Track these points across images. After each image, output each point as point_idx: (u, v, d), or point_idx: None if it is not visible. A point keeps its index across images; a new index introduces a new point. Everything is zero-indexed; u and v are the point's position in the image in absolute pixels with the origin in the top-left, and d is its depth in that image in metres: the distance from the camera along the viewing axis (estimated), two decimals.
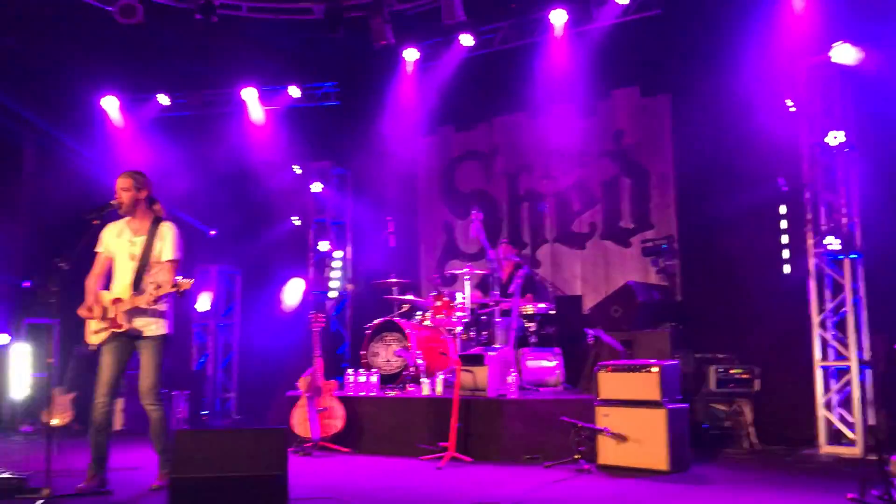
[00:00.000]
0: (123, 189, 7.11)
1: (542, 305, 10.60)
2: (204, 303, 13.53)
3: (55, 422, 10.79)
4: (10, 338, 12.44)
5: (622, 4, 11.63)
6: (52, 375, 11.67)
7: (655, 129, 11.78)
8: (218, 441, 5.91)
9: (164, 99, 14.41)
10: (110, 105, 14.53)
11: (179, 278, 6.67)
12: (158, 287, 6.71)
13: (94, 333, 7.07)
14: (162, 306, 7.03)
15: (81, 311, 7.06)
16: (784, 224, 10.01)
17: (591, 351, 9.45)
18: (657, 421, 7.78)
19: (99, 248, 7.22)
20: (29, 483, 6.75)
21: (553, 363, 9.94)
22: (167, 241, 7.08)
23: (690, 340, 10.01)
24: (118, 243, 7.17)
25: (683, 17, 11.12)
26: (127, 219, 7.21)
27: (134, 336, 7.02)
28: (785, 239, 9.96)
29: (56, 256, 6.39)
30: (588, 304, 11.19)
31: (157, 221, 7.15)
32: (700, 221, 11.00)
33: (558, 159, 12.52)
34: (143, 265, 7.00)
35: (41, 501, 6.40)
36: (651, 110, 11.89)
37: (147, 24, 11.79)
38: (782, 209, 9.98)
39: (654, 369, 7.92)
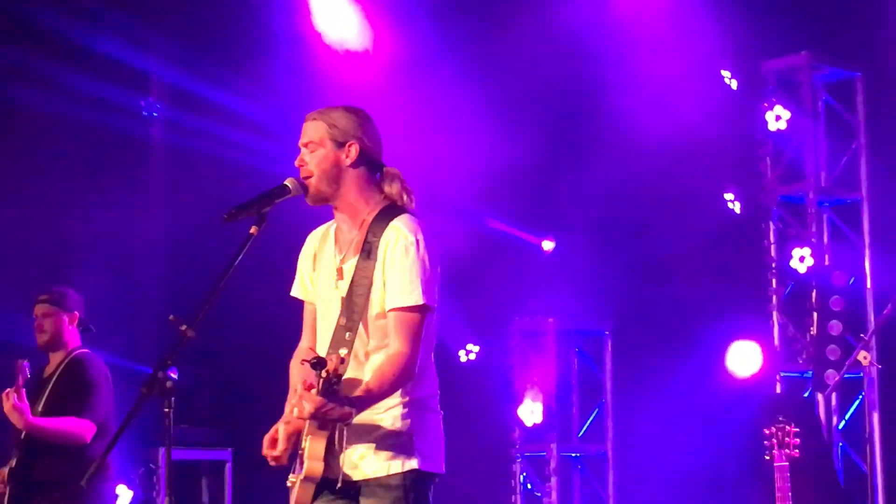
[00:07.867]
0: (311, 144, 3.64)
1: None
2: (531, 409, 8.06)
3: None
4: (131, 493, 7.97)
5: None
6: None
7: None
8: None
9: None
10: None
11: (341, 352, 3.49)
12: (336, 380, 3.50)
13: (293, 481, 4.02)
14: (398, 422, 3.63)
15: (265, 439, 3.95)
16: None
17: None
18: None
19: (295, 292, 3.96)
20: None
21: None
22: (398, 263, 3.62)
23: None
24: (324, 274, 3.76)
25: None
26: (334, 221, 3.84)
27: (351, 485, 3.80)
28: None
29: (174, 314, 3.38)
30: None
31: (386, 217, 3.66)
32: None
33: None
34: (351, 321, 3.64)
35: None
36: None
37: None
38: None
39: None
